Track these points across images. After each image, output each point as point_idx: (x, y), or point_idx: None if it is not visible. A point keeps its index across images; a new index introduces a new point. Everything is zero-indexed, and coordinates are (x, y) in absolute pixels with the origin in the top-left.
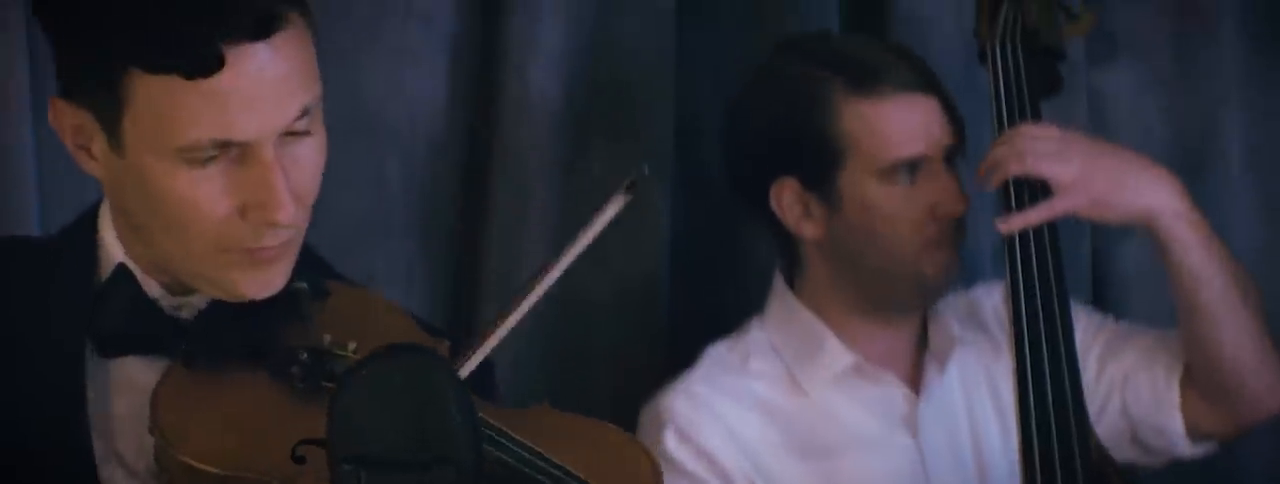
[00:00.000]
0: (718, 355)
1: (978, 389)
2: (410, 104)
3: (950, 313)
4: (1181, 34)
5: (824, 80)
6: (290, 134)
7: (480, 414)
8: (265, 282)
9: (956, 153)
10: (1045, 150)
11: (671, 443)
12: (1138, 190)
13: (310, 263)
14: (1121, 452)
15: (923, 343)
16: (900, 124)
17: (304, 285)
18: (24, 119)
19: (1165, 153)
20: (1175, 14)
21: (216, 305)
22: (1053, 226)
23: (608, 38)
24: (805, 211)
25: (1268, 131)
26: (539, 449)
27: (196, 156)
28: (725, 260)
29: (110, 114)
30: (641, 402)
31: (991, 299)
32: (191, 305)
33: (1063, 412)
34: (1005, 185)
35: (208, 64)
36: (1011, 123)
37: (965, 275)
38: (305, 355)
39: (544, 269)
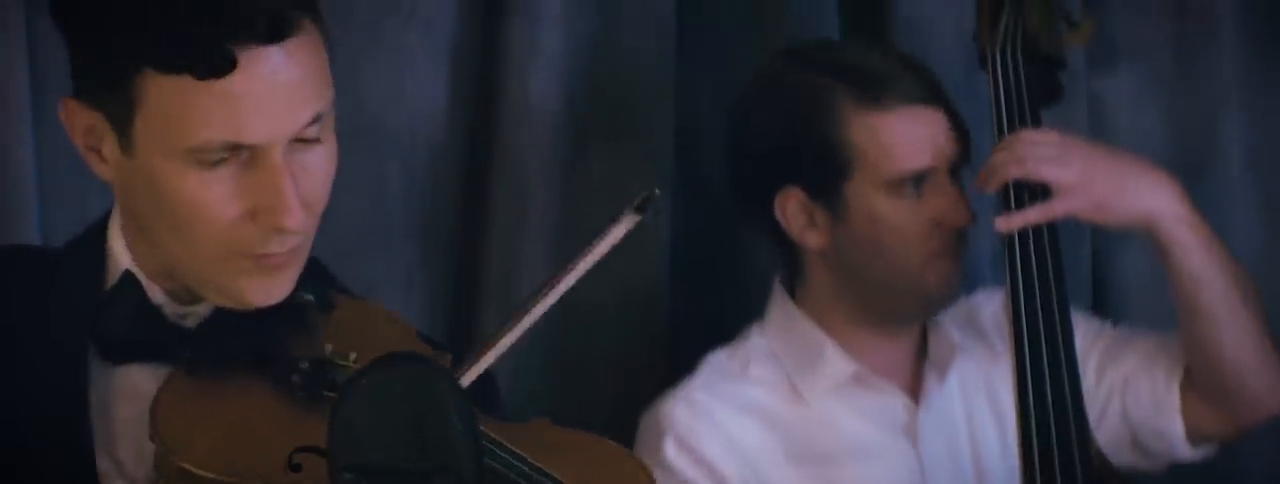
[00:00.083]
0: (717, 363)
1: (976, 397)
2: (410, 108)
3: (950, 320)
4: (1181, 37)
5: (830, 89)
6: (301, 141)
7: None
8: (271, 288)
9: (962, 164)
10: (1045, 155)
11: (671, 451)
12: (1138, 194)
13: (315, 274)
14: (1121, 456)
15: (922, 351)
16: (907, 137)
17: (310, 297)
18: (24, 120)
19: (1165, 156)
20: (1175, 17)
21: (221, 313)
22: (1053, 229)
23: (608, 41)
24: (809, 221)
25: (1267, 134)
26: (537, 462)
27: (206, 158)
28: (725, 265)
29: (122, 114)
30: (642, 406)
31: (990, 306)
32: (196, 314)
33: (1063, 415)
34: (1005, 188)
35: (220, 65)
36: (1012, 129)
37: (964, 281)
38: (306, 364)
39: (547, 285)
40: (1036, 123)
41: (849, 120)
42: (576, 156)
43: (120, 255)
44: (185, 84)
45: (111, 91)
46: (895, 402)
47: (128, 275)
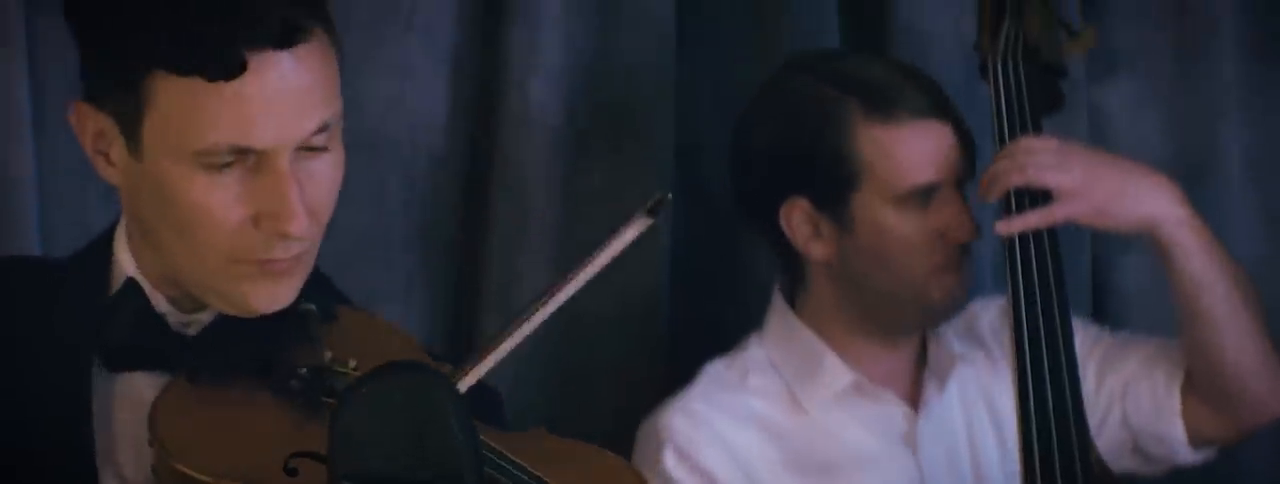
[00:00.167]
0: (716, 373)
1: (975, 405)
2: (410, 117)
3: (949, 329)
4: (1180, 46)
5: (840, 101)
6: (309, 149)
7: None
8: (275, 295)
9: (967, 177)
10: (1046, 162)
11: (670, 461)
12: (1139, 198)
13: (318, 285)
14: (1122, 462)
15: (921, 359)
16: (916, 151)
17: (313, 307)
18: (24, 124)
19: (1165, 165)
20: (1174, 26)
21: (223, 320)
22: (1054, 234)
23: (608, 51)
24: (815, 232)
25: (1267, 141)
26: (537, 472)
27: (213, 161)
28: (725, 273)
29: (131, 116)
30: (642, 415)
31: (988, 314)
32: (199, 322)
33: (1063, 420)
34: (1006, 193)
35: (230, 67)
36: (1012, 137)
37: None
38: (305, 370)
39: (556, 286)
40: (1037, 131)
41: (858, 133)
42: (577, 165)
43: (125, 263)
44: (195, 86)
45: (121, 93)
46: (895, 411)
47: (131, 283)
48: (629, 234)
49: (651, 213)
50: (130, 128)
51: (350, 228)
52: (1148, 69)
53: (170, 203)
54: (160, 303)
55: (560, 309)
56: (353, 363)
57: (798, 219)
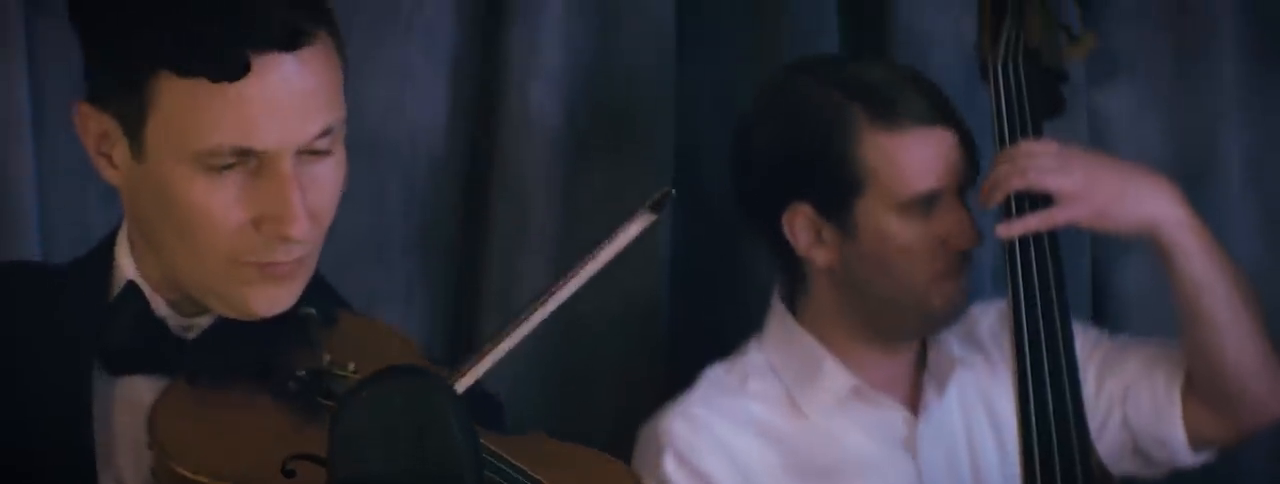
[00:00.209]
0: (715, 377)
1: (975, 408)
2: (410, 121)
3: (949, 333)
4: (1180, 50)
5: (844, 107)
6: (311, 152)
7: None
8: (276, 298)
9: (970, 184)
10: (1046, 165)
11: (670, 466)
12: (1139, 200)
13: (319, 290)
14: (1122, 465)
15: (921, 364)
16: (920, 158)
17: (313, 312)
18: (24, 126)
19: (1165, 167)
20: (1174, 30)
21: (223, 323)
22: (1054, 237)
23: (608, 54)
24: (817, 237)
25: (1267, 145)
26: (536, 475)
27: (215, 163)
28: (725, 277)
29: (135, 117)
30: (642, 419)
31: (987, 318)
32: (199, 326)
33: (1064, 422)
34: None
35: (234, 68)
36: (1013, 141)
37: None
38: (303, 373)
39: (559, 282)
40: (1038, 134)
41: (863, 139)
42: (577, 168)
43: (125, 267)
44: (199, 87)
45: (125, 94)
46: (894, 415)
47: (131, 286)
48: (633, 229)
49: (655, 208)
50: (133, 129)
51: (350, 231)
52: (1147, 71)
53: (172, 204)
54: (160, 307)
55: (560, 311)
56: (352, 366)
57: (801, 224)
